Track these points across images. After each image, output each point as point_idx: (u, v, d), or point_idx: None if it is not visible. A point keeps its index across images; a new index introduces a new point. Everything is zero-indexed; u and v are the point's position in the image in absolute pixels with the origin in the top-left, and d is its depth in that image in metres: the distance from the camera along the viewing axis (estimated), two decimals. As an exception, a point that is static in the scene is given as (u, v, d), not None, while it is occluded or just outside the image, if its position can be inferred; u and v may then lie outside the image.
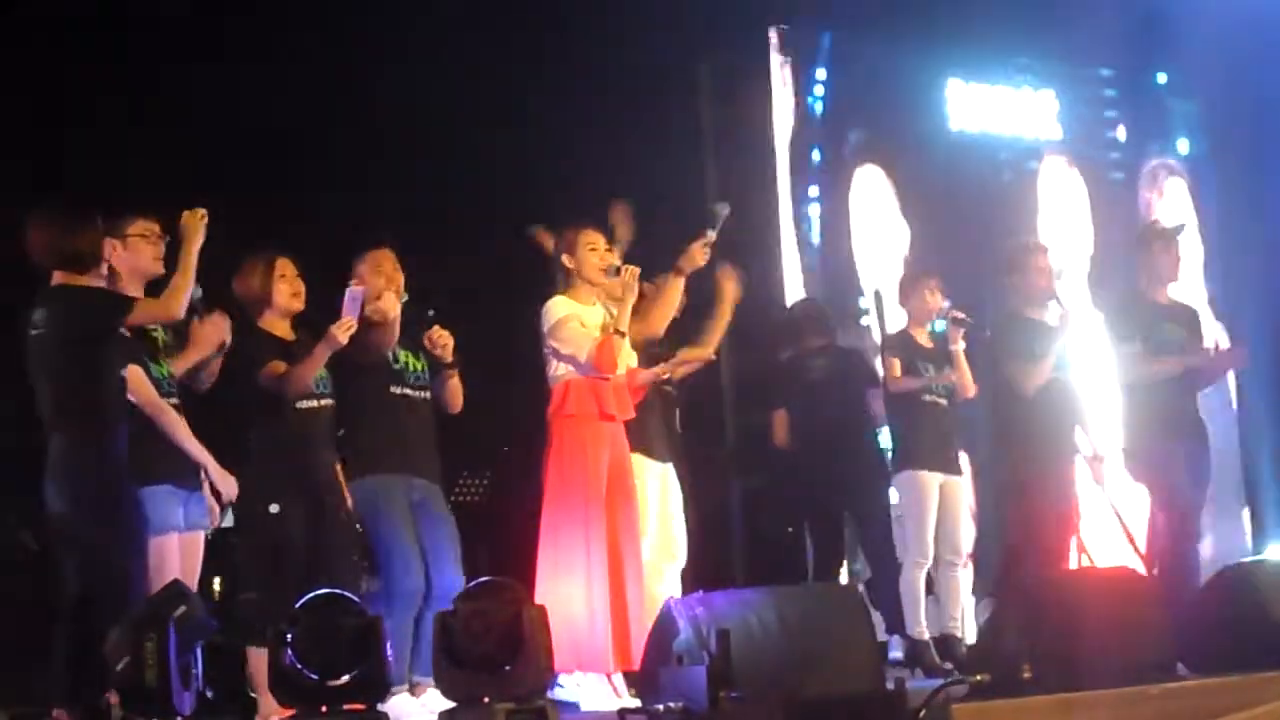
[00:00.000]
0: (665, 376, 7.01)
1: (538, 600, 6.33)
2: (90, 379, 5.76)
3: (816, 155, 9.51)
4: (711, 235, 6.94)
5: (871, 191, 9.83)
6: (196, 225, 5.90)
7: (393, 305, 6.50)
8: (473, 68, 8.41)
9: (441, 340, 6.64)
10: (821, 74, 9.61)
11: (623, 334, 6.71)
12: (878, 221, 9.79)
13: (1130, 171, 10.92)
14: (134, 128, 7.66)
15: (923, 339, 8.00)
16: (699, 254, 6.95)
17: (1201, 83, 10.92)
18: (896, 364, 7.89)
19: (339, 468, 6.56)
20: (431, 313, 6.66)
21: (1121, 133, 10.99)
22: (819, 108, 9.58)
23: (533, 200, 8.17)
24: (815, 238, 9.63)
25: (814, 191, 9.47)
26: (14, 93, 7.52)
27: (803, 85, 9.56)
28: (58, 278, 5.80)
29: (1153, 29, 10.32)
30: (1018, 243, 8.14)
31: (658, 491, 7.13)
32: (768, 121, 9.37)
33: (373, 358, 6.54)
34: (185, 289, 5.85)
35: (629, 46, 8.60)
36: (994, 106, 10.39)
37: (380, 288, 6.55)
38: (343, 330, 6.31)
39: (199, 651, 5.53)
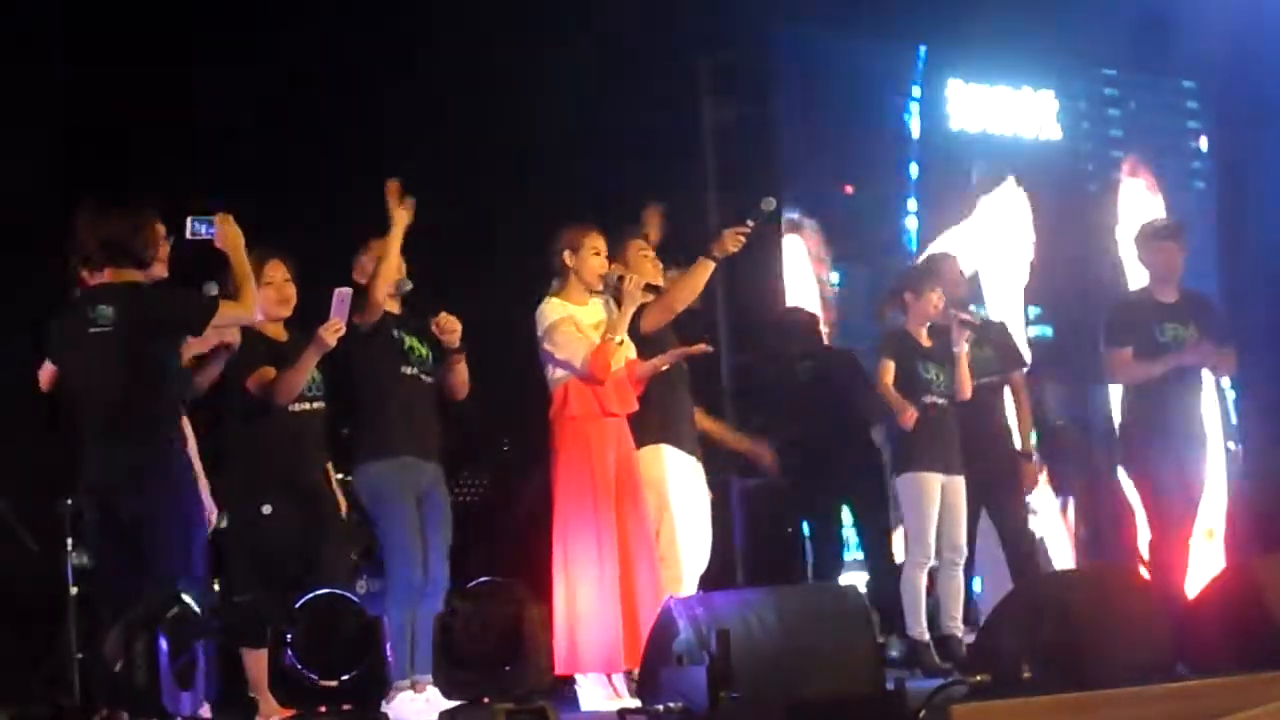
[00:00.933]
0: (664, 368, 6.99)
1: (555, 603, 6.34)
2: (167, 377, 5.76)
3: (915, 169, 9.52)
4: (749, 226, 6.94)
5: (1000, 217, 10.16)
6: (236, 229, 5.90)
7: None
8: (472, 67, 8.41)
9: (449, 326, 6.61)
10: (916, 91, 9.77)
11: (619, 341, 6.72)
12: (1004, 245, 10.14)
13: (1211, 180, 10.96)
14: (134, 127, 7.65)
15: (923, 337, 7.96)
16: (732, 241, 6.94)
17: (1207, 82, 10.95)
18: (891, 366, 7.86)
19: (329, 465, 6.57)
20: (408, 287, 6.61)
21: (1204, 143, 11.05)
22: (916, 125, 9.66)
23: (534, 199, 8.18)
24: (913, 247, 9.79)
25: (912, 205, 9.50)
26: (14, 92, 7.52)
27: (891, 100, 9.70)
28: (109, 275, 5.73)
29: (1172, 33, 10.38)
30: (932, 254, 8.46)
31: (688, 485, 7.06)
32: (770, 120, 9.36)
33: (378, 343, 6.53)
34: (254, 290, 5.88)
35: (629, 44, 8.59)
36: (993, 106, 10.38)
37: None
38: (331, 332, 6.30)
39: (201, 651, 5.53)
